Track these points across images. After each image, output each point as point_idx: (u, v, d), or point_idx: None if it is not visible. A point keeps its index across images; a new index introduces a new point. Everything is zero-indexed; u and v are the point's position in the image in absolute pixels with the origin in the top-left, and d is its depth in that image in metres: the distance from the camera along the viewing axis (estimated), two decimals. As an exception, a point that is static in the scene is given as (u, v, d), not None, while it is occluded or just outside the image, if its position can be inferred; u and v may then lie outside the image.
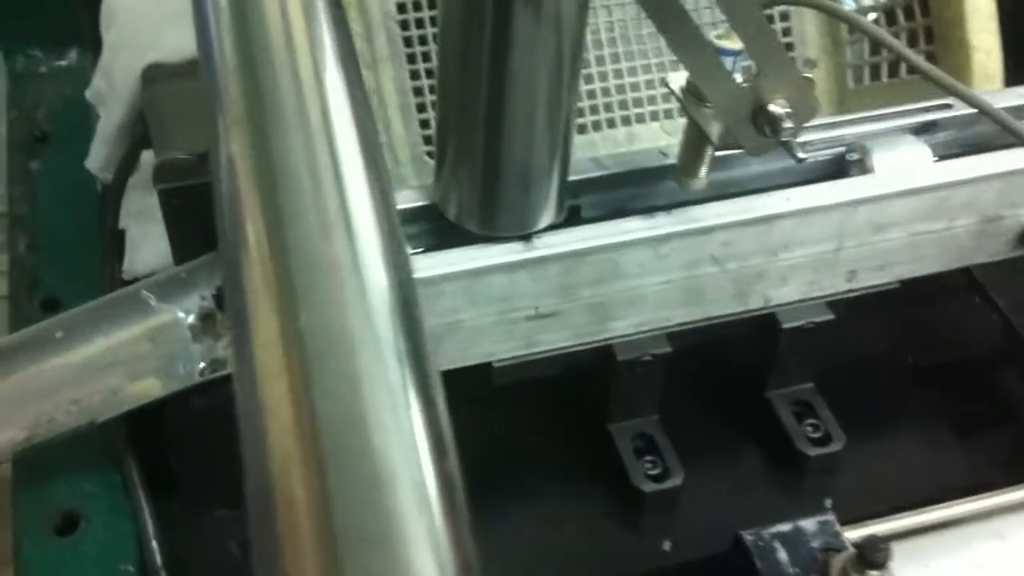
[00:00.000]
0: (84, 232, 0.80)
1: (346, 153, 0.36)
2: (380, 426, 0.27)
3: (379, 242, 0.33)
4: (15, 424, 0.63)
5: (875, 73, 0.91)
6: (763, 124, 0.57)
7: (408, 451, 0.27)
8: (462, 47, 0.54)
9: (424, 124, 0.80)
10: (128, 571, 0.65)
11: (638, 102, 0.89)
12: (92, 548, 0.66)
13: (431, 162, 0.74)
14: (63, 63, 0.90)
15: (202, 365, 0.63)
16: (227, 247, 0.36)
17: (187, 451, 0.66)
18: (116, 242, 0.72)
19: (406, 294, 0.32)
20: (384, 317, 0.30)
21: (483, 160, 0.58)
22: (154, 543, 0.66)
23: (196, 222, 0.63)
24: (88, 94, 0.75)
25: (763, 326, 0.69)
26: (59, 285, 0.77)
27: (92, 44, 0.91)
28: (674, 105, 0.89)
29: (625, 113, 0.89)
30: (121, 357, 0.63)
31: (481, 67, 0.54)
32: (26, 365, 0.63)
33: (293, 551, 0.26)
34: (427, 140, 0.80)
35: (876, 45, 0.89)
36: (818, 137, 0.68)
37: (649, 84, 0.89)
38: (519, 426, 0.71)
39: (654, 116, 0.90)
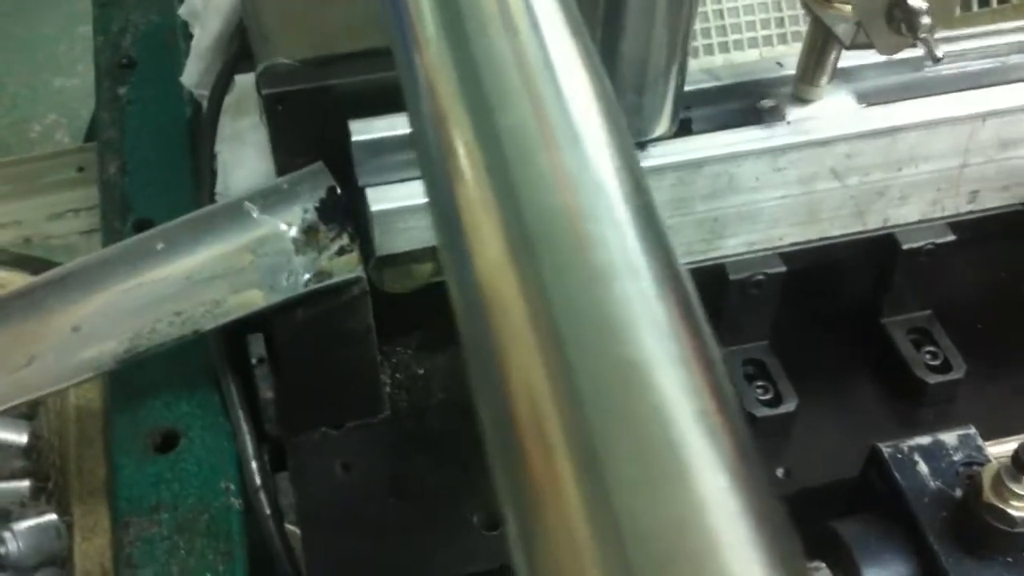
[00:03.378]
0: (173, 155, 0.79)
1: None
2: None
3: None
4: (117, 334, 0.62)
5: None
6: (899, 20, 0.54)
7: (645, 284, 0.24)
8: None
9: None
10: (229, 488, 0.63)
11: (736, 28, 0.86)
12: (192, 466, 0.64)
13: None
14: (145, -11, 0.89)
15: (305, 276, 0.61)
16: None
17: (288, 368, 0.64)
18: (213, 159, 0.70)
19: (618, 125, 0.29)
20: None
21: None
22: (253, 462, 0.65)
23: (300, 129, 0.61)
24: (182, 11, 0.74)
25: (881, 247, 0.67)
26: (151, 207, 0.75)
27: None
28: (774, 31, 0.86)
29: (723, 39, 0.86)
30: (223, 268, 0.62)
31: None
32: (127, 276, 0.62)
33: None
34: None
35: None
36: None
37: (748, 10, 0.86)
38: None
39: (752, 43, 0.87)
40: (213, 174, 0.75)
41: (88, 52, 2.07)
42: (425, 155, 0.30)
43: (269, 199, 0.62)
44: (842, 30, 0.57)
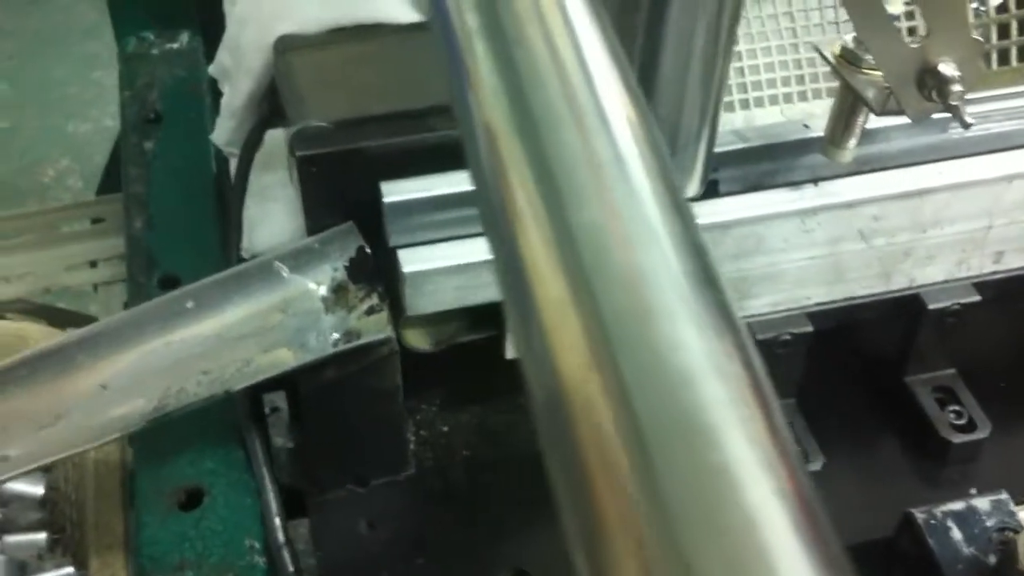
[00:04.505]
0: (200, 211, 0.79)
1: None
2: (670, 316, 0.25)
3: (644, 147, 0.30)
4: (145, 393, 0.62)
5: (1003, 58, 0.88)
6: (930, 87, 0.54)
7: (709, 342, 0.24)
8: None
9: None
10: (253, 547, 0.63)
11: (757, 85, 0.87)
12: (216, 523, 0.64)
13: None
14: (174, 45, 0.90)
15: (335, 336, 0.61)
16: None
17: (314, 426, 0.64)
18: (236, 218, 0.71)
19: (677, 197, 0.29)
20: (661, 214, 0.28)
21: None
22: (277, 519, 0.65)
23: (332, 189, 0.61)
24: (212, 69, 0.75)
25: (907, 307, 0.67)
26: (177, 263, 0.76)
27: (203, 26, 0.91)
28: (794, 89, 0.87)
29: (744, 97, 0.87)
30: (252, 328, 0.62)
31: (639, 18, 0.52)
32: (156, 335, 0.62)
33: (596, 449, 0.23)
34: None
35: (1005, 29, 0.86)
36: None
37: (768, 67, 0.87)
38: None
39: (773, 100, 0.87)
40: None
41: (102, 97, 2.09)
42: (500, 253, 0.30)
43: (299, 258, 0.62)
44: (872, 96, 0.57)
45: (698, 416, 0.23)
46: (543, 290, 0.27)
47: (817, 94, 0.86)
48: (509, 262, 0.29)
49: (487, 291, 0.59)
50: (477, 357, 0.64)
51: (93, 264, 1.03)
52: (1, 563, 0.84)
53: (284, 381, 0.64)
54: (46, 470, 0.87)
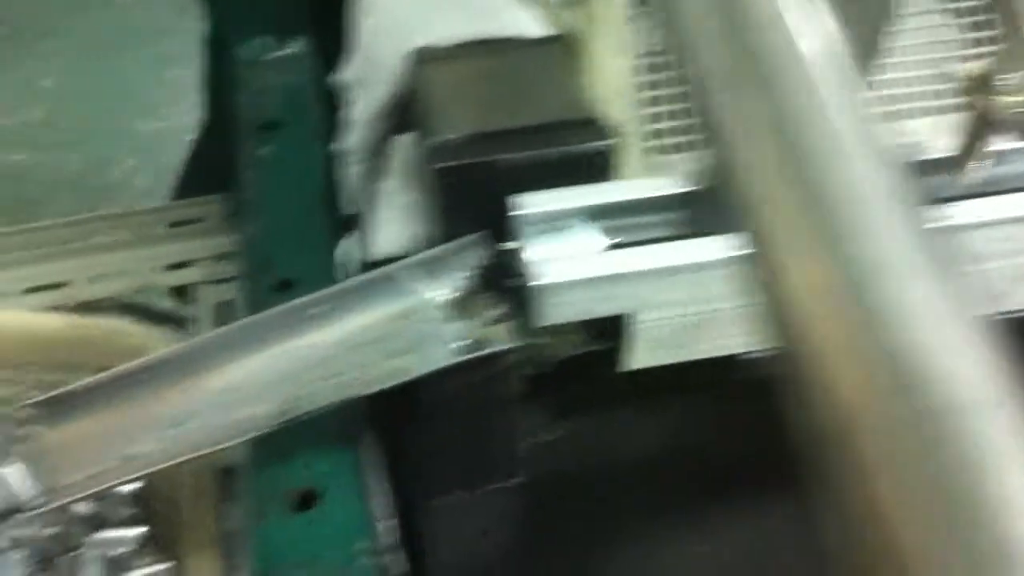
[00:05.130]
0: (314, 216, 0.80)
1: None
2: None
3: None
4: (270, 399, 0.63)
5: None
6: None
7: None
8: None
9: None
10: (365, 549, 0.64)
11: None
12: (328, 526, 0.65)
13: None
14: (288, 52, 0.92)
15: (459, 345, 0.62)
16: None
17: (431, 432, 0.65)
18: (365, 223, 0.72)
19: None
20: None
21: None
22: (388, 523, 0.66)
23: (464, 200, 0.62)
24: (340, 78, 0.76)
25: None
26: (293, 267, 0.77)
27: (316, 33, 0.93)
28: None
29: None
30: (377, 335, 0.63)
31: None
32: (281, 341, 0.63)
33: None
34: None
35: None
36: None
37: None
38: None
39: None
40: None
41: (174, 96, 2.11)
42: (768, 284, 0.31)
43: (427, 267, 0.63)
44: (1001, 121, 0.58)
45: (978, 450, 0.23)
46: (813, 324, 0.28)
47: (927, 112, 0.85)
48: (779, 296, 0.30)
49: (611, 304, 0.60)
50: (590, 367, 0.64)
51: (184, 265, 1.05)
52: (97, 558, 0.85)
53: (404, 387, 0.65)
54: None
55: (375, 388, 0.63)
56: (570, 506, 0.65)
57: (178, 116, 2.07)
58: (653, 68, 0.74)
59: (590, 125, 0.63)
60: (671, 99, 0.75)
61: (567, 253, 0.60)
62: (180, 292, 1.04)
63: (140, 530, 0.87)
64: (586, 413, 0.67)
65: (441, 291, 0.63)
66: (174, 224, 1.06)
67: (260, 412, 0.63)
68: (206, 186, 1.41)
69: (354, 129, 0.73)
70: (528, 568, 0.63)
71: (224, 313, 1.02)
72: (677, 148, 0.74)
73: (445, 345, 0.62)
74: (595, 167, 0.62)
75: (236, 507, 0.83)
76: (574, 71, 0.68)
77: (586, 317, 0.60)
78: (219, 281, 1.04)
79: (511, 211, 0.60)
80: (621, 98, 0.69)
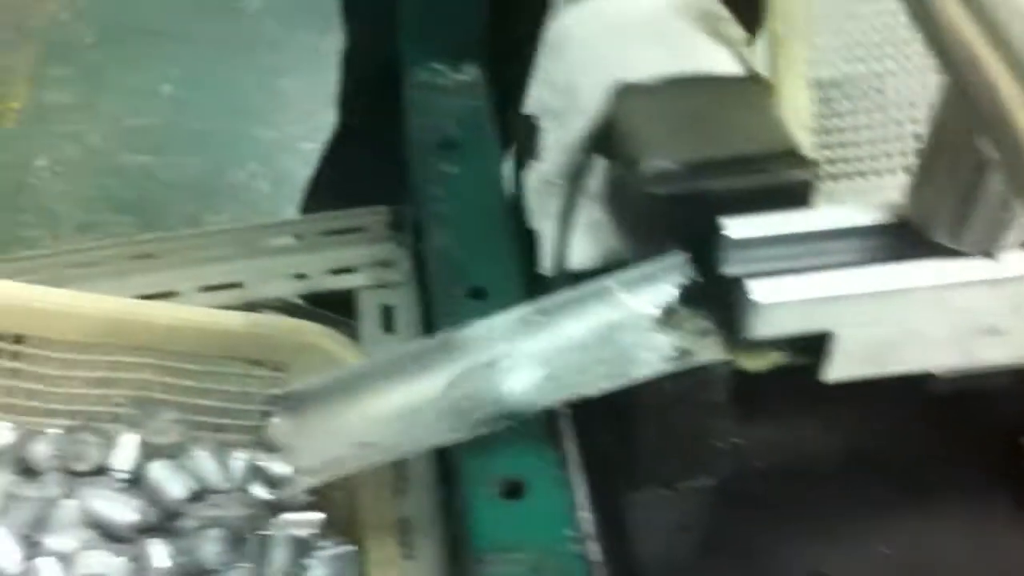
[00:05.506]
0: (498, 228, 0.87)
1: None
2: None
3: None
4: (490, 401, 0.70)
5: None
6: None
7: None
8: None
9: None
10: (569, 536, 0.70)
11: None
12: (536, 514, 0.72)
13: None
14: (462, 77, 0.98)
15: (668, 356, 0.68)
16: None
17: (637, 433, 0.71)
18: (564, 240, 0.78)
19: None
20: None
21: (966, 176, 0.62)
22: (587, 513, 0.72)
23: (670, 222, 0.69)
24: (530, 107, 0.82)
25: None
26: (482, 276, 0.84)
27: (486, 61, 1.00)
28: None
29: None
30: (593, 343, 0.69)
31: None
32: (504, 343, 0.70)
33: None
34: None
35: None
36: None
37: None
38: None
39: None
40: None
41: (285, 105, 2.20)
42: None
43: (634, 281, 0.70)
44: None
45: None
46: None
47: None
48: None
49: (817, 322, 0.66)
50: (787, 377, 0.70)
51: (348, 271, 1.12)
52: (285, 539, 0.92)
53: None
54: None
55: (590, 392, 0.69)
56: (760, 506, 0.71)
57: (290, 125, 2.16)
58: (826, 101, 0.80)
59: (792, 156, 0.69)
60: (843, 130, 0.81)
61: (776, 275, 0.66)
62: (344, 296, 1.12)
63: (320, 515, 0.94)
64: (779, 419, 0.73)
65: (650, 305, 0.69)
66: (337, 232, 1.13)
67: (480, 412, 0.70)
68: (339, 194, 1.49)
69: (548, 154, 0.79)
70: (720, 563, 0.69)
71: (387, 317, 1.09)
72: (852, 175, 0.80)
73: (655, 355, 0.68)
74: (797, 195, 0.69)
75: (424, 495, 0.90)
76: (767, 106, 0.74)
77: (792, 334, 0.66)
78: (380, 286, 1.11)
79: (720, 234, 0.66)
80: (805, 131, 0.75)
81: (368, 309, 1.11)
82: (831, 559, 0.68)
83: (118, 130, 2.15)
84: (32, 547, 0.86)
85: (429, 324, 1.01)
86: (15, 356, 0.96)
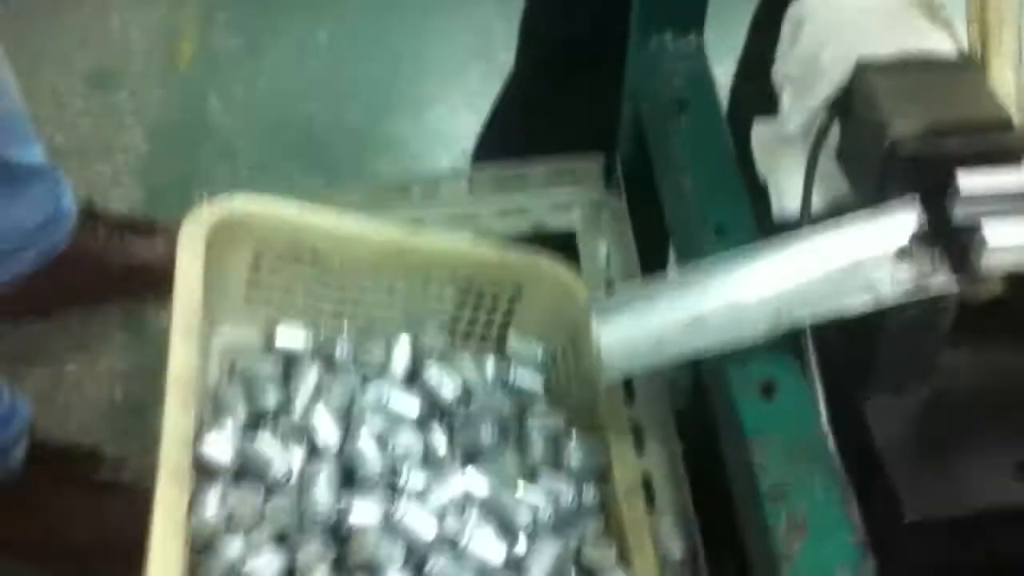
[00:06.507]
0: (731, 176, 1.04)
1: None
2: None
3: None
4: (763, 317, 0.88)
5: None
6: None
7: None
8: None
9: None
10: (815, 429, 0.88)
11: None
12: (787, 410, 0.89)
13: None
14: (686, 44, 1.15)
15: (905, 288, 0.85)
16: None
17: (865, 349, 0.89)
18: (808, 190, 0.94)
19: None
20: None
21: None
22: (823, 412, 0.89)
23: (915, 179, 0.85)
24: (776, 76, 0.99)
25: None
26: (721, 216, 1.01)
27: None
28: None
29: None
30: (843, 274, 0.87)
31: None
32: (770, 273, 0.88)
33: None
34: None
35: None
36: None
37: None
38: None
39: None
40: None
41: (437, 57, 2.35)
42: None
43: (875, 222, 0.87)
44: None
45: None
46: None
47: None
48: None
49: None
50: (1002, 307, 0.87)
51: (568, 209, 1.30)
52: (541, 430, 1.10)
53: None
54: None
55: (840, 315, 0.86)
56: (971, 413, 0.89)
57: (440, 76, 2.34)
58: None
59: (1008, 124, 0.86)
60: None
61: (1000, 221, 0.83)
62: (562, 236, 1.29)
63: (565, 414, 1.13)
64: (989, 343, 0.91)
65: (890, 243, 0.86)
66: (555, 175, 1.30)
67: (757, 321, 0.87)
68: (511, 142, 1.65)
69: (796, 115, 0.96)
70: (938, 457, 0.86)
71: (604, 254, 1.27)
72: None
73: (894, 286, 0.86)
74: (1012, 156, 0.85)
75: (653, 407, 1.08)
76: (981, 82, 0.90)
77: (1011, 270, 0.83)
78: (594, 227, 1.29)
79: (954, 187, 0.83)
80: (1012, 103, 0.92)
81: (586, 246, 1.28)
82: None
83: (281, 76, 2.33)
84: (345, 428, 1.05)
85: (647, 264, 1.19)
86: (316, 264, 1.15)
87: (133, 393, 1.82)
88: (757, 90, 1.04)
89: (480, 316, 1.20)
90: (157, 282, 1.89)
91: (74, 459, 1.65)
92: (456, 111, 2.26)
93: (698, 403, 1.07)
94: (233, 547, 0.95)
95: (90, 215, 1.90)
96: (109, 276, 1.89)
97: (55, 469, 1.62)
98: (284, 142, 2.20)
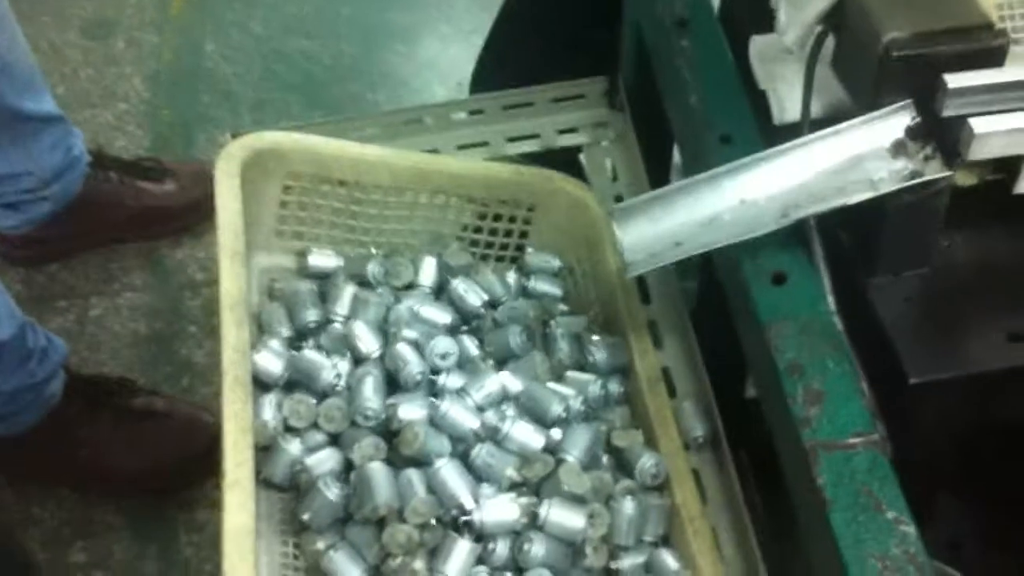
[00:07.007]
0: (733, 89, 1.12)
1: None
2: None
3: None
4: (773, 208, 0.96)
5: None
6: None
7: None
8: None
9: None
10: (824, 311, 0.97)
11: None
12: (797, 296, 0.98)
13: None
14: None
15: (902, 174, 0.94)
16: None
17: (866, 233, 0.98)
18: (807, 98, 1.03)
19: None
20: None
21: None
22: (830, 297, 0.98)
23: (906, 79, 0.94)
24: (775, -9, 1.07)
25: None
26: (727, 126, 1.09)
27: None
28: None
29: None
30: (845, 167, 0.95)
31: None
32: (779, 169, 0.97)
33: None
34: None
35: None
36: None
37: None
38: None
39: None
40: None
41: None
42: None
43: (872, 122, 0.95)
44: None
45: None
46: None
47: None
48: None
49: (1014, 147, 0.91)
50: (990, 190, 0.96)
51: (572, 131, 1.38)
52: (566, 332, 1.18)
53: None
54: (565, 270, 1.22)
55: (843, 203, 0.95)
56: (965, 287, 0.98)
57: (430, 9, 2.39)
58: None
59: (991, 27, 0.94)
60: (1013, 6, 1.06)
61: (985, 114, 0.91)
62: (569, 155, 1.37)
63: (587, 316, 1.22)
64: (979, 225, 1.00)
65: (886, 138, 0.95)
66: (560, 99, 1.38)
67: (766, 217, 0.96)
68: (504, 71, 1.72)
69: (792, 29, 1.04)
70: (935, 327, 0.96)
71: (610, 169, 1.34)
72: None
73: (892, 175, 0.94)
74: (995, 56, 0.93)
75: (668, 305, 1.17)
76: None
77: (998, 155, 0.92)
78: (600, 144, 1.37)
79: (943, 85, 0.91)
80: (993, 9, 1.00)
81: (593, 163, 1.37)
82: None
83: (276, 17, 2.38)
84: (383, 337, 1.14)
85: (654, 176, 1.27)
86: (346, 196, 1.22)
87: (156, 327, 1.90)
88: (750, 6, 1.12)
89: (498, 235, 1.28)
90: (170, 221, 1.98)
91: (107, 390, 1.73)
92: (447, 42, 2.32)
93: (705, 305, 1.17)
94: (294, 445, 1.04)
95: (101, 161, 1.97)
96: (124, 218, 1.96)
97: (90, 399, 1.70)
98: (282, 81, 2.26)
